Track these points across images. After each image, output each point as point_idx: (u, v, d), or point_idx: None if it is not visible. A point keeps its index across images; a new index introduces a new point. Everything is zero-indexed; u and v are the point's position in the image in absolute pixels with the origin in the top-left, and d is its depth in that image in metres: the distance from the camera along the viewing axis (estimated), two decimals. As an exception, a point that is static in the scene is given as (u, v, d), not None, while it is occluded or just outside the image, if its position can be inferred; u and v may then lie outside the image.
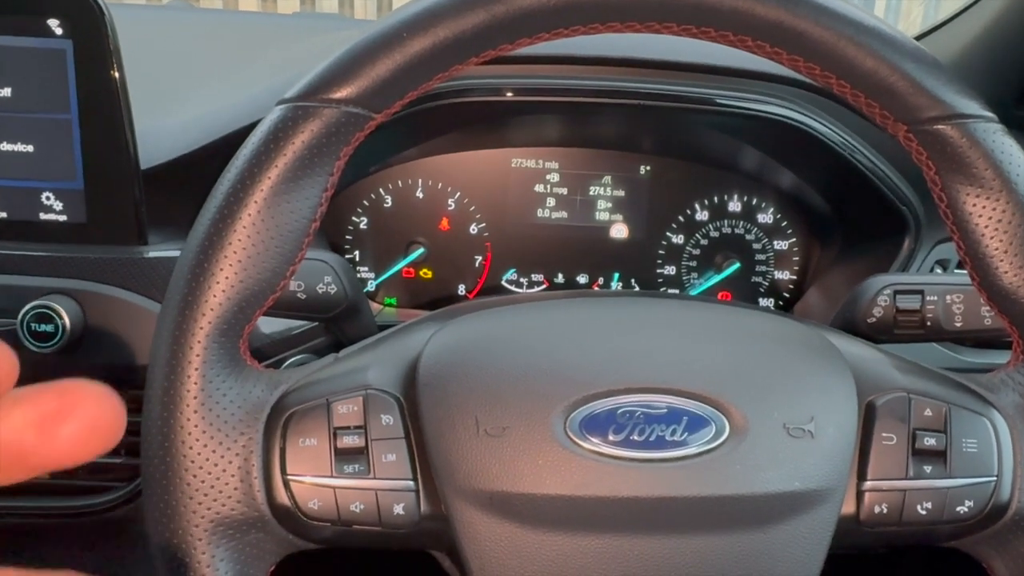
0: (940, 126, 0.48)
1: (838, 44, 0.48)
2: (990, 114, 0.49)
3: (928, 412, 0.51)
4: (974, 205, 0.49)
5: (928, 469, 0.50)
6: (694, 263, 0.90)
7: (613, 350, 0.51)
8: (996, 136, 0.49)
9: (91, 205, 0.68)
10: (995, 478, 0.49)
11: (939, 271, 0.82)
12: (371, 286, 0.89)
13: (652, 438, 0.48)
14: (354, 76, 0.47)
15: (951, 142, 0.48)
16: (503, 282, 0.91)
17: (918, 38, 0.96)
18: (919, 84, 0.48)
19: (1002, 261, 0.49)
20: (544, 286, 0.91)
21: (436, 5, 0.47)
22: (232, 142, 0.72)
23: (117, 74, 0.65)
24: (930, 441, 0.50)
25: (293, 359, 0.73)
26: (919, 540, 0.51)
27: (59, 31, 0.65)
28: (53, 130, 0.67)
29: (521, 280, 0.91)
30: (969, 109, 0.48)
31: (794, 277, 0.91)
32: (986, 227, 0.49)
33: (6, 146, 0.67)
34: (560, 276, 0.91)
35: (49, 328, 0.65)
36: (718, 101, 0.79)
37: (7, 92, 0.66)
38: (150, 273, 0.69)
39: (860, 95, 0.49)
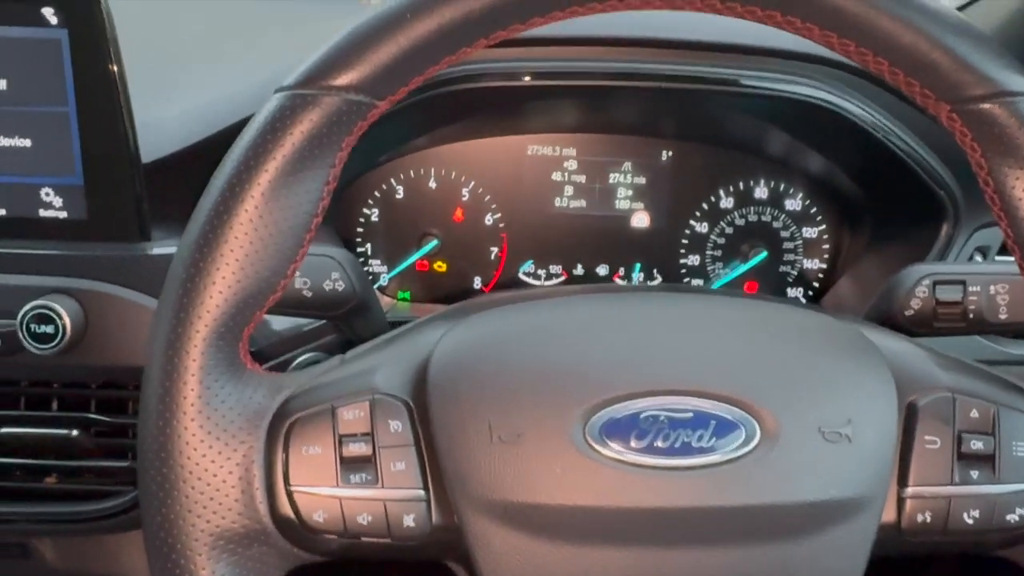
0: (986, 104, 0.45)
1: (875, 18, 0.45)
2: None
3: (975, 413, 0.48)
4: (1023, 188, 0.46)
5: (975, 475, 0.47)
6: (719, 252, 0.88)
7: (635, 350, 0.49)
8: None
9: (91, 201, 0.67)
10: None
11: (979, 259, 0.79)
12: (384, 280, 0.88)
13: (677, 444, 0.46)
14: (356, 61, 0.45)
15: (999, 121, 0.45)
16: (520, 274, 0.89)
17: (960, 8, 0.92)
18: (963, 59, 0.45)
19: None
20: (563, 278, 0.89)
21: None
22: (237, 133, 0.71)
23: (115, 64, 0.63)
24: (977, 444, 0.47)
25: (301, 359, 0.72)
26: (965, 550, 0.49)
27: (54, 20, 0.63)
28: (50, 123, 0.66)
29: (539, 272, 0.89)
30: (1018, 86, 0.46)
31: (824, 266, 0.89)
32: None
33: (3, 141, 0.66)
34: (579, 267, 0.89)
35: (49, 329, 0.64)
36: (743, 82, 0.76)
37: (2, 85, 0.65)
38: (153, 270, 0.68)
39: (898, 72, 0.47)
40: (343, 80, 0.45)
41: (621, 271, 0.89)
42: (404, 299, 0.89)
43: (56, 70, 0.64)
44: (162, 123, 0.72)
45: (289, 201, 0.45)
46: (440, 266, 0.88)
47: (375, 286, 0.87)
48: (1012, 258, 0.77)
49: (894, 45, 0.46)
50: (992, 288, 0.61)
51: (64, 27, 0.63)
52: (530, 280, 0.89)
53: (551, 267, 0.89)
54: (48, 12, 0.63)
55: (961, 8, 0.93)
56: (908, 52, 0.46)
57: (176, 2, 1.03)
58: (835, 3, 0.45)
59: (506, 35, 0.46)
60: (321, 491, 0.46)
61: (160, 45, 0.86)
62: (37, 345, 0.64)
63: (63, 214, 0.68)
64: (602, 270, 0.89)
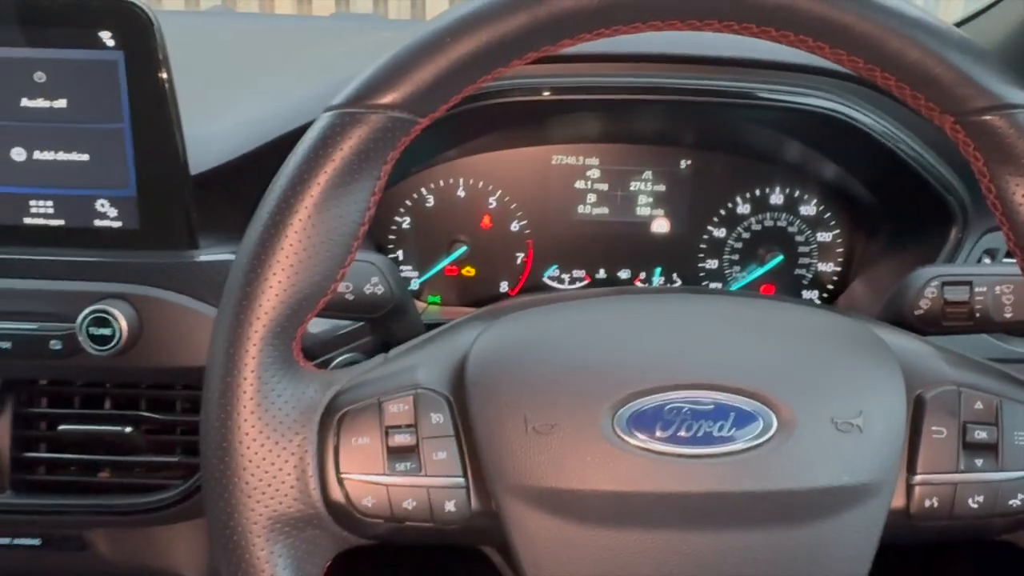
0: (987, 116, 0.47)
1: (882, 37, 0.47)
2: None
3: (979, 405, 0.50)
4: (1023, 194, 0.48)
5: (979, 462, 0.49)
6: (736, 256, 0.90)
7: (659, 347, 0.51)
8: None
9: (144, 211, 0.70)
10: None
11: (988, 261, 0.80)
12: (415, 284, 0.90)
13: (699, 434, 0.48)
14: (399, 81, 0.47)
15: (999, 132, 0.47)
16: (545, 279, 0.91)
17: (959, 24, 0.94)
18: (965, 74, 0.47)
19: None
20: (586, 282, 0.91)
21: (478, 9, 0.47)
22: (279, 146, 0.74)
23: (167, 83, 0.66)
24: (981, 434, 0.49)
25: (341, 358, 0.74)
26: (971, 534, 0.51)
27: (111, 43, 0.66)
28: (106, 139, 0.68)
29: (563, 276, 0.91)
30: (1017, 98, 0.47)
31: (838, 269, 0.90)
32: None
33: (62, 156, 0.69)
34: (602, 271, 0.91)
35: (107, 332, 0.67)
36: (760, 95, 0.78)
37: (62, 103, 0.68)
38: (202, 277, 0.70)
39: (905, 87, 0.49)
40: (388, 99, 0.47)
41: (642, 275, 0.91)
42: (434, 302, 0.91)
43: (112, 89, 0.67)
44: (210, 137, 0.75)
45: (338, 211, 0.48)
46: (468, 271, 0.90)
47: None
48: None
49: (900, 62, 0.48)
50: (997, 288, 0.62)
51: (120, 49, 0.66)
52: (554, 284, 0.91)
53: (574, 271, 0.91)
54: (105, 35, 0.66)
55: (958, 24, 0.94)
56: (913, 68, 0.48)
57: (223, 23, 1.06)
58: (844, 23, 0.47)
59: (538, 55, 0.49)
60: (369, 478, 0.48)
61: (208, 64, 0.89)
62: (96, 347, 0.67)
63: (117, 224, 0.70)
64: (624, 274, 0.91)
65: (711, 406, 0.48)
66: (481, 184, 0.87)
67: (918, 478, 0.49)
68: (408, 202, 0.88)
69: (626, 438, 0.48)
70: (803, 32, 0.48)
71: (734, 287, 0.91)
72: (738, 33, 0.49)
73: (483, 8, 0.47)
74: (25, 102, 0.68)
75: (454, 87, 0.48)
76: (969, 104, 0.48)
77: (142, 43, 0.66)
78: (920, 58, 0.47)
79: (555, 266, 0.91)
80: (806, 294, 0.91)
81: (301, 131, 0.72)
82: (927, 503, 0.49)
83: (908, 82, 0.49)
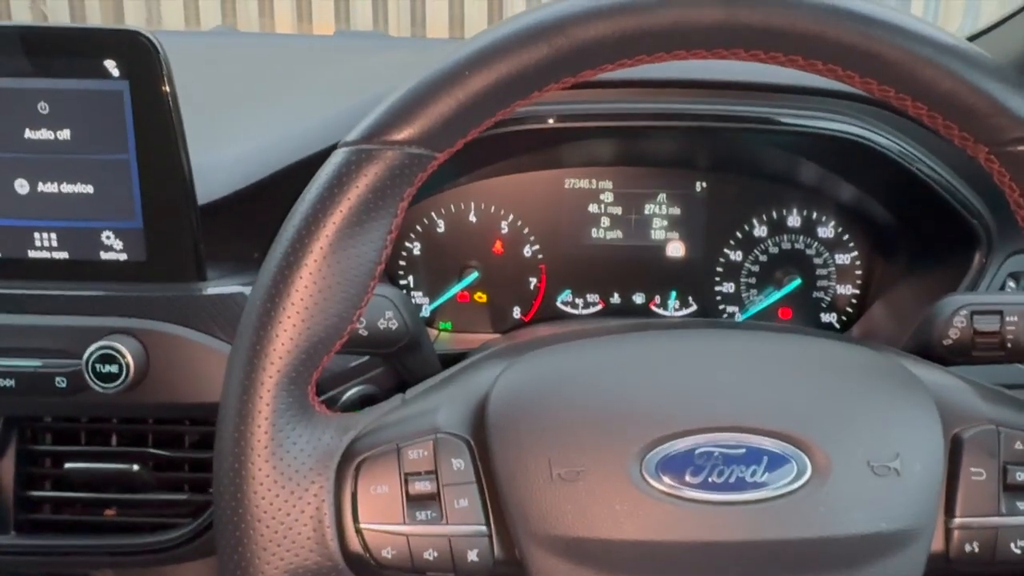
0: (1023, 147, 0.46)
1: (915, 66, 0.46)
2: None
3: (1019, 445, 0.49)
4: None
5: (1022, 505, 0.48)
6: (753, 280, 0.89)
7: (688, 388, 0.50)
8: None
9: (150, 243, 0.69)
10: None
11: (1012, 285, 0.79)
12: (426, 311, 0.89)
13: (731, 479, 0.46)
14: (416, 116, 0.46)
15: None
16: (559, 304, 0.90)
17: (971, 38, 0.93)
18: (1001, 104, 0.46)
19: None
20: (600, 307, 0.90)
21: (498, 40, 0.46)
22: (289, 175, 0.73)
23: (173, 112, 0.65)
24: (1023, 476, 0.48)
25: (353, 392, 0.73)
26: None
27: (116, 72, 0.65)
28: (111, 170, 0.67)
29: (576, 301, 0.90)
30: None
31: (857, 292, 0.89)
32: None
33: (66, 187, 0.68)
34: (616, 296, 0.90)
35: (113, 369, 0.66)
36: (780, 120, 0.77)
37: (66, 134, 0.67)
38: (210, 310, 0.69)
39: (937, 116, 0.47)
40: (404, 135, 0.46)
41: (657, 299, 0.90)
42: (445, 328, 0.90)
43: (117, 120, 0.66)
44: (216, 165, 0.74)
45: (354, 251, 0.46)
46: (480, 297, 0.89)
47: None
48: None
49: (933, 91, 0.46)
50: None
51: (126, 79, 0.65)
52: (568, 309, 0.90)
53: (588, 296, 0.90)
54: (110, 64, 0.65)
55: (971, 38, 0.93)
56: (947, 98, 0.46)
57: (226, 43, 1.05)
58: (875, 51, 0.46)
59: (558, 87, 0.47)
60: (389, 528, 0.47)
61: (212, 85, 0.88)
62: (102, 384, 0.66)
63: (123, 256, 0.69)
64: (638, 299, 0.90)
65: (743, 450, 0.47)
66: (492, 209, 0.86)
67: (957, 522, 0.48)
68: (419, 228, 0.87)
69: (655, 484, 0.46)
70: (832, 61, 0.47)
71: (751, 311, 0.90)
72: (764, 61, 0.47)
73: (502, 39, 0.46)
74: (28, 133, 0.67)
75: (473, 121, 0.47)
76: (1004, 135, 0.46)
77: (147, 72, 0.64)
78: (954, 87, 0.46)
79: (568, 291, 0.89)
80: (824, 317, 0.90)
81: (311, 160, 0.72)
82: (967, 548, 0.48)
83: (940, 111, 0.47)
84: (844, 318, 0.90)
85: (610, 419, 0.48)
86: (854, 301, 0.89)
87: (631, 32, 0.45)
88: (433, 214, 0.86)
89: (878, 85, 0.47)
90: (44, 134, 0.67)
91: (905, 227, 0.85)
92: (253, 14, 3.81)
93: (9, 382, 0.67)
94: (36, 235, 0.69)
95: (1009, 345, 0.61)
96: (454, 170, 0.82)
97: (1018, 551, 0.48)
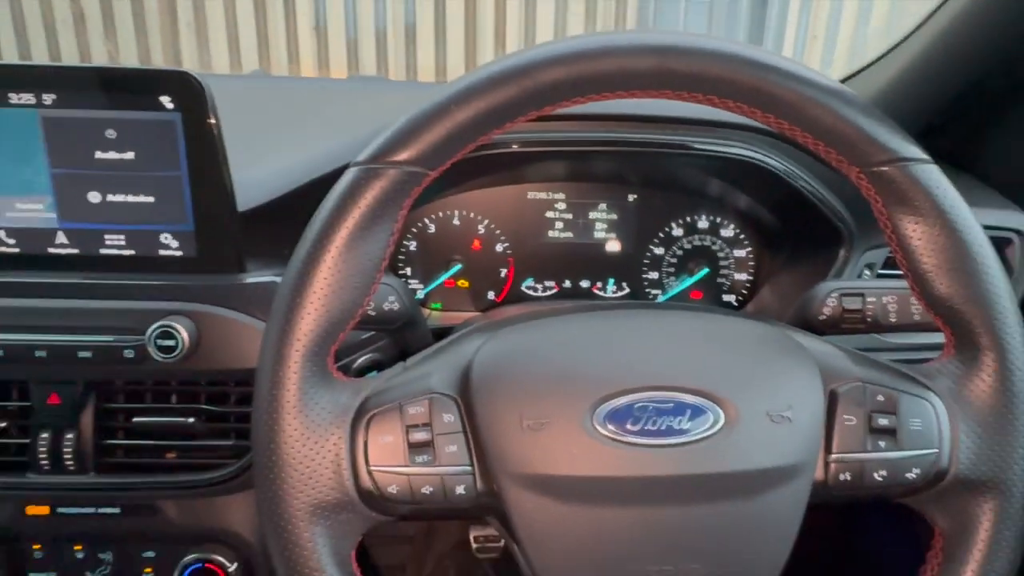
0: (886, 168, 0.46)
1: (803, 105, 0.45)
2: (927, 157, 0.46)
3: (880, 397, 0.48)
4: (914, 231, 0.46)
5: (882, 444, 0.47)
6: (672, 269, 0.88)
7: (628, 356, 0.48)
8: (932, 175, 0.46)
9: (200, 242, 0.66)
10: (936, 450, 0.47)
11: (868, 273, 0.79)
12: (420, 295, 0.87)
13: (663, 428, 0.45)
14: (412, 141, 0.44)
15: (896, 181, 0.46)
16: (523, 288, 0.88)
17: (845, 80, 0.92)
18: (868, 135, 0.45)
19: (936, 276, 0.46)
20: (555, 290, 0.88)
21: (476, 82, 0.44)
22: (309, 189, 0.70)
23: (217, 138, 0.62)
24: (883, 421, 0.47)
25: (364, 359, 0.71)
26: (876, 500, 0.49)
27: (170, 106, 0.62)
28: (167, 184, 0.64)
29: (537, 286, 0.88)
30: (910, 153, 0.46)
31: (750, 278, 0.88)
32: (924, 248, 0.46)
33: (131, 198, 0.65)
34: (567, 282, 0.88)
35: (171, 343, 0.63)
36: (693, 146, 0.76)
37: (130, 155, 0.63)
38: (248, 295, 0.66)
39: (819, 144, 0.47)
40: (403, 156, 0.44)
41: (599, 284, 0.88)
42: (436, 308, 0.87)
43: (171, 144, 0.63)
44: (253, 181, 0.71)
45: (363, 250, 0.45)
46: (463, 283, 0.87)
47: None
48: (895, 272, 0.78)
49: (817, 125, 0.46)
50: (884, 299, 0.60)
51: (178, 111, 0.62)
52: (531, 292, 0.88)
53: (546, 282, 0.88)
54: (165, 100, 0.62)
55: (845, 80, 0.92)
56: (827, 130, 0.46)
57: (261, 84, 1.02)
58: (774, 93, 0.45)
59: (524, 120, 0.46)
60: (394, 469, 0.45)
61: (250, 118, 0.85)
62: (162, 355, 0.63)
63: (178, 253, 0.66)
64: (584, 284, 0.88)
65: (671, 404, 0.46)
66: (472, 215, 0.84)
67: (833, 457, 0.48)
68: (414, 229, 0.84)
69: (603, 432, 0.45)
70: (740, 100, 0.46)
71: (670, 293, 0.88)
72: (687, 100, 0.46)
73: (481, 81, 0.44)
74: (99, 154, 0.63)
75: (458, 145, 0.45)
76: (871, 158, 0.46)
77: (196, 106, 0.61)
78: (833, 122, 0.45)
79: (531, 278, 0.87)
80: (726, 298, 0.89)
81: (328, 176, 0.69)
82: (841, 477, 0.47)
83: (822, 140, 0.47)
84: (740, 298, 0.89)
85: (567, 381, 0.47)
86: (748, 285, 0.89)
87: (583, 77, 0.44)
88: (425, 219, 0.84)
89: (775, 119, 0.46)
90: (112, 155, 0.63)
91: (787, 228, 0.84)
92: (283, 60, 3.72)
93: (87, 353, 0.64)
94: (107, 236, 0.66)
95: (869, 319, 0.61)
96: (442, 184, 0.80)
97: (879, 478, 0.47)
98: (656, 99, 0.46)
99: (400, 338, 0.66)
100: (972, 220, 0.46)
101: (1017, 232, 0.77)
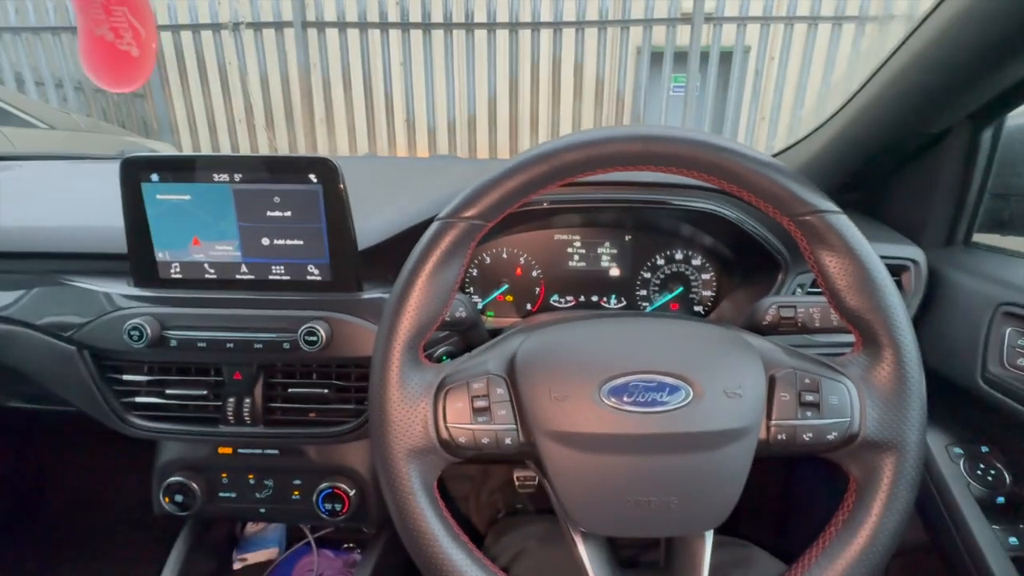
0: (809, 218, 0.46)
1: (747, 174, 0.45)
2: (838, 209, 0.46)
3: (808, 380, 0.48)
4: (830, 262, 0.46)
5: (809, 414, 0.47)
6: (656, 288, 0.87)
7: (625, 349, 0.49)
8: (842, 221, 0.46)
9: (333, 271, 0.68)
10: (849, 419, 0.46)
11: (799, 290, 0.77)
12: (480, 306, 0.88)
13: (649, 400, 0.46)
14: (477, 203, 0.46)
15: (817, 227, 0.46)
16: (551, 301, 0.88)
17: (783, 151, 0.91)
18: (795, 193, 0.46)
19: (847, 293, 0.46)
20: (573, 303, 0.89)
21: (521, 162, 0.46)
22: (406, 235, 0.72)
23: (346, 202, 0.65)
24: (809, 397, 0.47)
25: (442, 349, 0.72)
26: (805, 455, 0.48)
27: (314, 180, 0.65)
28: (312, 232, 0.67)
29: (561, 300, 0.89)
30: (826, 206, 0.46)
31: (713, 295, 0.87)
32: (838, 274, 0.46)
33: (289, 242, 0.68)
34: (582, 297, 0.88)
35: (314, 339, 0.66)
36: (671, 202, 0.76)
37: (289, 213, 0.67)
38: (365, 307, 0.69)
39: (760, 200, 0.47)
40: (470, 213, 0.46)
41: (604, 299, 0.88)
42: (490, 316, 0.89)
43: (315, 206, 0.66)
44: (368, 229, 0.74)
45: (442, 279, 0.46)
46: (509, 298, 0.88)
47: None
48: (818, 290, 0.76)
49: (758, 188, 0.46)
50: (810, 309, 0.59)
51: (320, 183, 0.65)
52: (557, 304, 0.89)
53: (567, 297, 0.88)
54: (312, 176, 0.65)
55: (776, 154, 0.91)
56: (766, 191, 0.46)
57: (371, 162, 1.05)
58: (725, 167, 0.45)
59: (555, 187, 0.47)
60: (463, 426, 0.47)
61: (364, 184, 0.88)
62: (308, 347, 0.66)
63: (319, 277, 0.69)
64: (594, 298, 0.88)
65: (655, 383, 0.46)
66: (515, 251, 0.85)
67: (773, 422, 0.47)
68: (476, 260, 0.86)
69: (607, 403, 0.46)
70: (701, 171, 0.46)
71: (655, 305, 0.88)
72: (664, 172, 0.47)
73: (524, 161, 0.46)
74: (269, 213, 0.67)
75: (508, 205, 0.47)
76: (798, 210, 0.46)
77: (331, 180, 0.65)
78: (770, 185, 0.46)
79: (557, 294, 0.88)
80: (696, 309, 0.88)
81: (417, 227, 0.71)
82: (779, 437, 0.47)
83: (762, 199, 0.47)
84: (706, 309, 0.88)
85: (582, 366, 0.47)
86: (711, 300, 0.88)
87: (592, 157, 0.45)
88: (484, 253, 0.86)
89: (727, 184, 0.47)
90: (277, 213, 0.67)
91: (740, 259, 0.83)
92: (384, 145, 3.83)
93: (260, 346, 0.67)
94: (273, 267, 0.69)
95: (800, 324, 0.60)
96: (496, 230, 0.82)
97: (807, 439, 0.47)
98: (644, 171, 0.47)
99: (466, 336, 0.67)
100: (872, 253, 0.46)
101: (912, 261, 0.75)
